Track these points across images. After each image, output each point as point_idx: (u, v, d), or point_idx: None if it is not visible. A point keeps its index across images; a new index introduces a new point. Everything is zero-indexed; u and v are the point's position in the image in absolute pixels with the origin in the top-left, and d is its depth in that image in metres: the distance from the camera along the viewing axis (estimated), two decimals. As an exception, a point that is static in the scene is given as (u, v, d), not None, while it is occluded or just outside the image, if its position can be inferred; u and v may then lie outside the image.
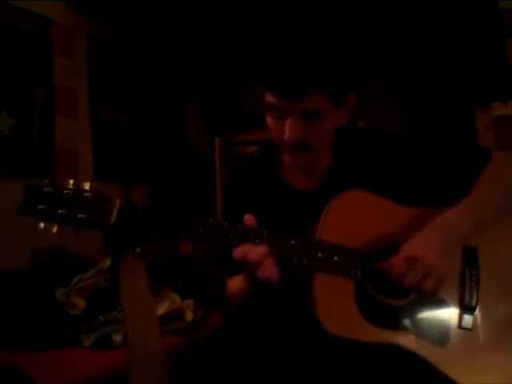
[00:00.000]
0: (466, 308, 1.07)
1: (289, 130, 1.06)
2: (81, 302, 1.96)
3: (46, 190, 0.94)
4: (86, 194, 0.96)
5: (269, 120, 1.11)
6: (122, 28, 2.92)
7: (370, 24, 2.67)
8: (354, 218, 1.08)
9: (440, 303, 1.07)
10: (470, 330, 1.06)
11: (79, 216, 0.95)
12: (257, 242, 1.00)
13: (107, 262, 2.17)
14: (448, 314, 1.07)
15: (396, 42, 2.79)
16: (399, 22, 2.76)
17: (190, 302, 2.02)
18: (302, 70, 1.02)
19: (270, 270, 0.98)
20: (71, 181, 0.96)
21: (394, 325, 1.05)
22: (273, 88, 1.05)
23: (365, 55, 1.12)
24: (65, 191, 0.95)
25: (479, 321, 1.07)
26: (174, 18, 2.94)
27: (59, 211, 0.94)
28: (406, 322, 1.05)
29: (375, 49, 2.64)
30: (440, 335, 1.06)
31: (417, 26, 2.74)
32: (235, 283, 1.18)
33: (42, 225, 0.94)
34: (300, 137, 1.07)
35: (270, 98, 1.07)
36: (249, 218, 1.01)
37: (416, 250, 1.02)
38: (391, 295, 1.07)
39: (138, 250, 1.46)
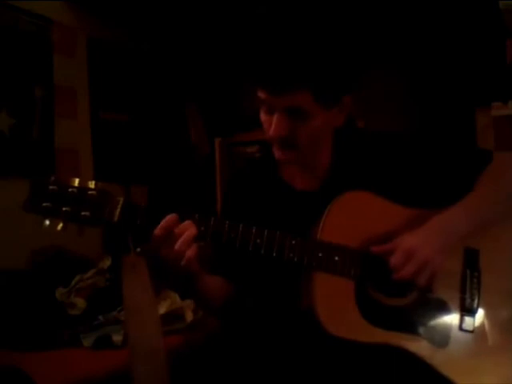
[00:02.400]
0: (467, 310, 1.07)
1: (274, 125, 1.07)
2: (81, 302, 1.97)
3: (51, 187, 0.96)
4: (90, 193, 0.97)
5: (262, 116, 1.12)
6: (122, 28, 2.92)
7: (368, 24, 2.67)
8: (354, 218, 1.08)
9: (441, 305, 1.08)
10: (470, 331, 1.07)
11: (83, 214, 0.96)
12: (258, 241, 1.01)
13: (107, 262, 2.17)
14: (449, 316, 1.07)
15: (396, 43, 2.79)
16: (399, 22, 2.76)
17: (190, 302, 2.03)
18: (285, 67, 1.03)
19: (187, 244, 0.98)
20: (76, 179, 0.98)
21: (395, 326, 1.05)
22: (260, 84, 1.08)
23: (354, 58, 1.12)
24: (70, 189, 0.97)
25: (480, 323, 1.07)
26: (173, 18, 2.94)
27: (64, 208, 0.96)
28: (407, 323, 1.05)
29: (374, 49, 2.64)
30: (441, 337, 1.06)
31: (417, 27, 2.73)
32: (212, 281, 1.18)
33: (47, 222, 0.95)
34: (283, 133, 1.07)
35: (260, 94, 1.09)
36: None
37: (412, 244, 1.02)
38: (392, 295, 1.07)
39: (138, 249, 1.46)
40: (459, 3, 2.59)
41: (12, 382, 1.47)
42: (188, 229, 0.99)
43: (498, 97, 2.29)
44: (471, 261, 1.10)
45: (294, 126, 1.07)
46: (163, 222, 0.98)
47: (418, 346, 1.04)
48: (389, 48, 2.80)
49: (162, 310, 1.92)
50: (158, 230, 0.98)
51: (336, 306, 1.03)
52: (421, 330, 1.05)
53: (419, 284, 1.02)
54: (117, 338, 1.76)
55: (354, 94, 1.12)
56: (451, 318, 1.07)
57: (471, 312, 1.07)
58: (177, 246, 0.98)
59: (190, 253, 1.00)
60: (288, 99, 1.04)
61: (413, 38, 2.75)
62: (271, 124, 1.08)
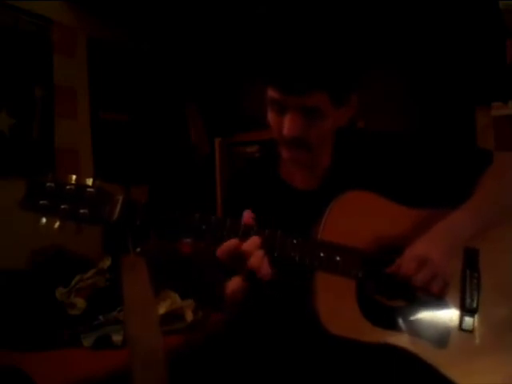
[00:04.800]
0: (466, 310, 1.07)
1: (288, 124, 1.06)
2: (81, 302, 1.97)
3: (48, 185, 0.94)
4: (88, 190, 0.96)
5: (270, 115, 1.11)
6: (122, 28, 2.92)
7: (370, 24, 2.67)
8: (355, 218, 1.08)
9: (441, 305, 1.07)
10: (470, 331, 1.06)
11: (81, 211, 0.95)
12: None
13: (107, 262, 2.17)
14: (449, 316, 1.07)
15: (396, 43, 2.79)
16: (399, 22, 2.76)
17: (190, 302, 2.03)
18: (304, 67, 1.02)
19: (260, 261, 0.97)
20: (73, 176, 0.97)
21: (395, 326, 1.05)
22: (274, 83, 1.06)
23: (364, 55, 1.12)
24: (67, 187, 0.95)
25: (480, 323, 1.07)
26: (173, 18, 2.94)
27: (62, 206, 0.94)
28: (407, 323, 1.05)
29: (375, 49, 2.64)
30: (441, 337, 1.06)
31: (417, 27, 2.74)
32: (234, 284, 1.18)
33: (43, 220, 0.94)
34: (298, 132, 1.07)
35: (271, 93, 1.07)
36: (248, 216, 1.02)
37: (424, 251, 1.02)
38: (393, 296, 1.06)
39: (138, 249, 1.46)
40: (459, 3, 2.59)
41: (12, 382, 1.47)
42: (256, 246, 0.98)
43: (497, 97, 2.28)
44: (471, 261, 1.10)
45: (308, 126, 1.07)
46: (225, 247, 0.98)
47: (418, 346, 1.04)
48: (389, 48, 2.80)
49: (162, 310, 1.92)
50: (225, 250, 0.98)
51: (337, 306, 1.03)
52: (421, 329, 1.05)
53: (433, 291, 1.02)
54: (117, 338, 1.76)
55: (358, 93, 1.12)
56: (451, 318, 1.07)
57: (471, 312, 1.07)
58: (251, 262, 0.97)
59: (265, 270, 0.99)
60: (305, 99, 1.03)
61: (413, 37, 2.75)
62: (282, 124, 1.07)
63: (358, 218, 1.08)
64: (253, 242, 0.98)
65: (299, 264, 1.03)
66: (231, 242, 0.98)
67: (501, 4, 2.13)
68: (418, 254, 1.02)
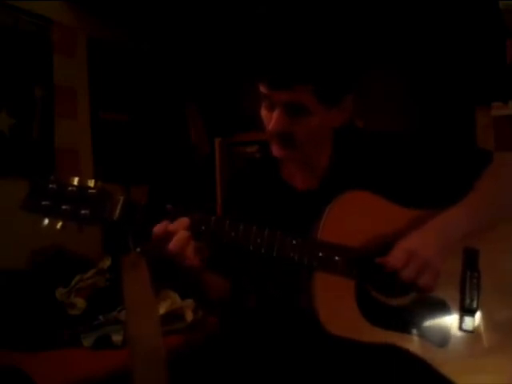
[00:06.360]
0: (466, 310, 1.07)
1: (273, 120, 1.08)
2: (81, 302, 1.97)
3: (50, 186, 0.95)
4: (90, 191, 0.97)
5: (262, 111, 1.13)
6: (122, 28, 2.92)
7: (368, 24, 2.67)
8: (354, 218, 1.08)
9: (441, 305, 1.08)
10: (470, 332, 1.07)
11: (83, 212, 0.96)
12: (258, 241, 1.01)
13: (107, 262, 2.17)
14: (449, 316, 1.07)
15: (396, 43, 2.79)
16: (399, 22, 2.76)
17: (190, 302, 2.03)
18: (287, 62, 1.04)
19: (183, 243, 0.98)
20: (76, 178, 0.98)
21: (395, 325, 1.05)
22: (262, 78, 1.08)
23: (357, 57, 1.12)
24: (69, 188, 0.96)
25: (480, 323, 1.07)
26: (173, 18, 2.94)
27: (63, 207, 0.95)
28: (407, 322, 1.05)
29: (374, 49, 2.64)
30: (441, 337, 1.06)
31: (417, 27, 2.74)
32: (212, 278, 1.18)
33: (46, 221, 0.95)
34: (282, 128, 1.08)
35: (261, 88, 1.10)
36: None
37: (413, 244, 1.02)
38: (392, 295, 1.07)
39: (138, 249, 1.46)
40: (459, 3, 2.59)
41: (12, 382, 1.47)
42: (182, 227, 0.99)
43: (497, 97, 2.28)
44: (471, 261, 1.10)
45: (293, 123, 1.08)
46: (161, 223, 0.98)
47: (418, 346, 1.04)
48: (389, 48, 2.80)
49: (162, 309, 1.92)
50: (156, 229, 0.98)
51: (336, 306, 1.03)
52: (421, 329, 1.05)
53: (422, 285, 1.02)
54: (117, 338, 1.76)
55: (354, 94, 1.12)
56: (451, 318, 1.07)
57: (471, 312, 1.07)
58: (171, 244, 0.98)
59: (189, 251, 0.99)
60: (288, 94, 1.04)
61: (413, 37, 2.75)
62: (271, 119, 1.08)
63: (357, 219, 1.08)
64: (180, 223, 0.98)
65: (298, 264, 1.03)
66: (161, 225, 0.98)
67: (501, 4, 2.14)
68: (407, 246, 1.02)
